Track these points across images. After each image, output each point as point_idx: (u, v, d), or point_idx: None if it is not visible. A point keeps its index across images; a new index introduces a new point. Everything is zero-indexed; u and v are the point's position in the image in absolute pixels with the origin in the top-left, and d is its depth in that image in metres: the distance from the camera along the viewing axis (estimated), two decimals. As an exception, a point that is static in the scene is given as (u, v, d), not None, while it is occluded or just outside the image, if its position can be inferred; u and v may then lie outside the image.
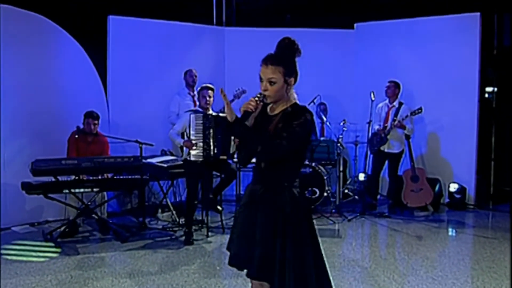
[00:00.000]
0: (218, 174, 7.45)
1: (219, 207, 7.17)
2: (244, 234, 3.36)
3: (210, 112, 7.01)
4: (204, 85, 7.09)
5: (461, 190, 8.98)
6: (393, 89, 8.64)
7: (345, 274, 5.69)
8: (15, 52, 7.62)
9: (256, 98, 3.25)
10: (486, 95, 9.79)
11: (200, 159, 6.84)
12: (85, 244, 6.87)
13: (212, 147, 6.85)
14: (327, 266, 3.38)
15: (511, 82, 9.59)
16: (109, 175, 7.08)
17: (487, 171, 9.55)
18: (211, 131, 6.85)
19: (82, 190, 6.89)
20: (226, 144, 6.93)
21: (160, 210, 8.35)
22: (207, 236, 7.19)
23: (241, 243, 3.37)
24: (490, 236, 7.36)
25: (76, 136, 7.20)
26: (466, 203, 9.07)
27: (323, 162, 8.71)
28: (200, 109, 7.02)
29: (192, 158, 6.82)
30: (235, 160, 7.57)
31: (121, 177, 7.17)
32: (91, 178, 6.96)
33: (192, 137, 6.80)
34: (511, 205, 8.91)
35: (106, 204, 7.61)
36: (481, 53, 8.97)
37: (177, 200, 8.69)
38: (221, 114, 7.09)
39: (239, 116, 3.22)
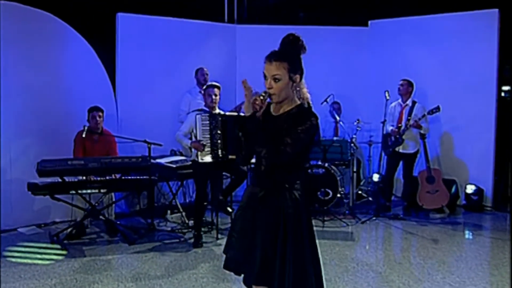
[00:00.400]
0: (228, 175, 7.29)
1: (229, 208, 6.97)
2: (243, 237, 3.27)
3: (217, 111, 6.83)
4: (210, 83, 6.93)
5: (478, 191, 8.74)
6: (406, 87, 8.42)
7: (358, 279, 5.50)
8: (22, 50, 7.49)
9: (261, 97, 3.12)
10: (503, 94, 9.54)
11: (209, 160, 6.66)
12: (92, 246, 6.72)
13: (220, 148, 6.68)
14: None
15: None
16: (117, 176, 6.93)
17: (504, 172, 9.30)
18: (218, 131, 6.67)
19: (89, 191, 6.77)
20: (235, 143, 6.73)
21: (169, 211, 8.18)
22: (217, 238, 7.02)
23: (240, 246, 3.28)
24: (508, 239, 7.12)
25: (83, 135, 7.04)
26: (484, 205, 8.82)
27: (336, 162, 8.53)
28: (206, 109, 6.83)
29: (201, 160, 6.64)
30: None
31: (129, 177, 7.02)
32: (98, 178, 6.81)
33: (199, 138, 6.62)
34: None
35: (114, 205, 7.45)
36: (499, 50, 8.71)
37: (187, 201, 8.54)
38: (227, 113, 6.92)
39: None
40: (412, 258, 6.39)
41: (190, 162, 7.10)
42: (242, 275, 3.40)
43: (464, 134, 8.94)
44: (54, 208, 7.64)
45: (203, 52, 9.28)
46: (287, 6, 10.65)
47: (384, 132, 8.46)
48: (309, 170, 8.18)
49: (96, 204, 6.98)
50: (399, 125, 8.33)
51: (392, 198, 8.76)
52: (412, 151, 8.33)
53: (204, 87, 6.99)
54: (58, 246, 6.61)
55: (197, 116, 6.64)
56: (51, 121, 7.69)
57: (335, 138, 8.72)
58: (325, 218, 7.95)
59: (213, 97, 6.74)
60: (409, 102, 8.41)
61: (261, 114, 3.22)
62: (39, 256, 6.29)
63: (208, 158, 6.64)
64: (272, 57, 3.16)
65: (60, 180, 6.57)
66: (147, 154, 7.12)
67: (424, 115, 8.09)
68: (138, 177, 7.05)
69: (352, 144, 8.54)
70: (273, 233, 3.14)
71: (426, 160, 8.30)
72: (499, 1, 8.72)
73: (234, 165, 6.87)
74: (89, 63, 8.27)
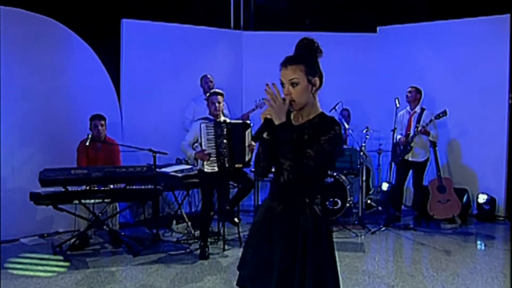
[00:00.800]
0: (235, 184, 7.13)
1: (236, 219, 6.82)
2: (259, 254, 3.05)
3: (222, 118, 6.68)
4: (213, 90, 6.79)
5: (490, 200, 8.54)
6: (414, 94, 8.26)
7: (370, 293, 5.32)
8: (26, 57, 7.37)
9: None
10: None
11: (215, 170, 6.50)
12: (96, 257, 6.56)
13: (226, 156, 6.52)
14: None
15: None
16: (121, 185, 6.77)
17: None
18: (224, 139, 6.51)
19: (92, 200, 6.61)
20: (241, 152, 6.59)
21: (174, 221, 8.01)
22: (224, 249, 6.85)
23: (256, 263, 3.06)
24: (523, 251, 6.93)
25: (87, 144, 6.89)
26: (496, 215, 8.61)
27: (345, 171, 8.34)
28: (211, 117, 6.68)
29: (207, 169, 6.48)
30: (253, 169, 7.25)
31: (134, 187, 6.85)
32: (102, 188, 6.64)
33: (204, 147, 6.46)
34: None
35: (118, 215, 7.29)
36: (511, 56, 8.54)
37: (193, 210, 8.38)
38: (233, 121, 6.78)
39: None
40: (425, 270, 6.19)
41: (196, 171, 6.94)
42: None
43: (475, 141, 8.74)
44: (57, 218, 7.49)
45: (209, 59, 9.14)
46: (295, 12, 10.52)
47: (394, 140, 8.29)
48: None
49: (100, 214, 6.82)
50: (408, 132, 8.16)
51: (402, 207, 8.56)
52: (422, 160, 8.15)
53: (208, 94, 6.86)
54: (61, 258, 6.45)
55: (202, 124, 6.49)
56: (54, 129, 7.55)
57: (344, 147, 8.54)
58: (334, 229, 7.76)
59: (217, 104, 6.59)
60: (417, 109, 8.25)
61: None
62: (41, 268, 6.13)
63: (214, 167, 6.49)
64: (287, 62, 2.99)
65: (63, 189, 6.41)
66: (152, 163, 6.98)
67: (431, 120, 7.92)
68: (143, 187, 6.88)
69: (361, 153, 8.36)
70: (291, 251, 2.93)
71: (437, 169, 8.11)
72: (510, 7, 8.55)
73: (241, 173, 6.72)
74: (93, 70, 8.14)
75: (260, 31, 9.83)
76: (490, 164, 8.68)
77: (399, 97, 8.30)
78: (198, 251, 6.65)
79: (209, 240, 6.84)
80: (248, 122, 6.75)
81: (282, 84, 3.00)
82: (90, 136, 6.95)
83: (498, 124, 8.60)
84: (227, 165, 6.50)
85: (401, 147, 8.14)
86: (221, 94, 6.65)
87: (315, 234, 2.94)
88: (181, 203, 7.83)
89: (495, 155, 8.64)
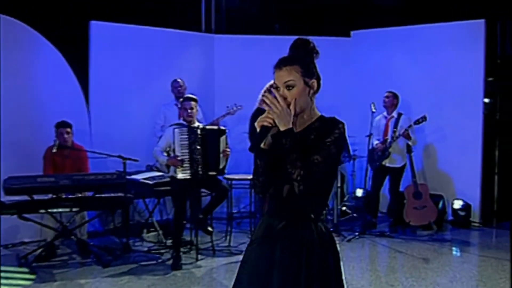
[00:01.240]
0: (208, 192, 6.93)
1: (209, 228, 6.62)
2: (258, 274, 2.71)
3: (196, 124, 6.48)
4: (186, 96, 6.63)
5: (466, 207, 8.46)
6: (392, 100, 8.16)
7: (350, 305, 5.15)
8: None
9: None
10: (489, 107, 9.30)
11: (188, 177, 6.29)
12: (63, 269, 6.28)
13: (200, 163, 6.32)
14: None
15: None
16: (89, 193, 6.50)
17: (490, 186, 9.06)
18: (197, 145, 6.31)
19: (60, 209, 6.35)
20: (215, 159, 6.40)
21: (145, 230, 7.76)
22: (197, 259, 6.61)
23: (253, 285, 2.73)
24: (501, 258, 6.81)
25: (54, 150, 6.62)
26: (471, 221, 8.53)
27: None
28: (184, 122, 6.48)
29: (179, 176, 6.27)
30: (226, 176, 7.06)
31: (103, 195, 6.59)
32: (70, 196, 6.39)
33: (177, 153, 6.25)
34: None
35: (86, 224, 7.02)
36: (486, 61, 8.48)
37: (164, 218, 8.12)
38: (207, 127, 6.59)
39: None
40: (404, 279, 6.03)
41: (168, 179, 6.72)
42: None
43: (450, 147, 8.66)
44: (22, 227, 7.16)
45: (180, 62, 8.92)
46: (267, 16, 10.36)
47: (370, 146, 8.16)
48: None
49: (68, 224, 6.56)
50: (386, 138, 8.04)
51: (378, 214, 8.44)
52: (399, 165, 8.04)
53: (181, 100, 6.65)
54: (27, 269, 6.18)
55: (175, 130, 6.29)
56: (19, 135, 7.23)
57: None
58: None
59: (189, 110, 6.41)
60: (394, 114, 8.15)
61: (276, 131, 2.67)
62: (5, 280, 5.84)
63: (186, 175, 6.28)
64: (281, 63, 2.69)
65: (28, 198, 6.14)
66: (121, 169, 6.74)
67: (410, 125, 7.82)
68: (112, 195, 6.63)
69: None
70: (294, 274, 2.62)
71: (413, 175, 8.02)
72: (485, 12, 8.51)
73: (215, 181, 6.53)
74: (60, 74, 7.86)
75: (232, 34, 9.64)
76: (465, 170, 8.58)
77: (374, 102, 8.19)
78: (170, 261, 6.43)
79: (181, 249, 6.62)
80: (223, 128, 6.57)
81: (277, 87, 2.69)
82: (56, 142, 6.69)
83: (474, 130, 8.51)
84: (200, 172, 6.30)
85: (379, 153, 8.02)
86: (195, 100, 6.46)
87: (320, 256, 2.65)
88: (152, 211, 7.58)
89: (470, 160, 8.55)
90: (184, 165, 6.25)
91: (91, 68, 8.17)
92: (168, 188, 6.76)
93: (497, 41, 9.05)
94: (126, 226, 7.20)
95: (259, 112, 6.94)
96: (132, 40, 8.52)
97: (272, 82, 7.41)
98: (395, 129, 7.98)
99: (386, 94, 8.20)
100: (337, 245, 2.78)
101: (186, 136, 6.30)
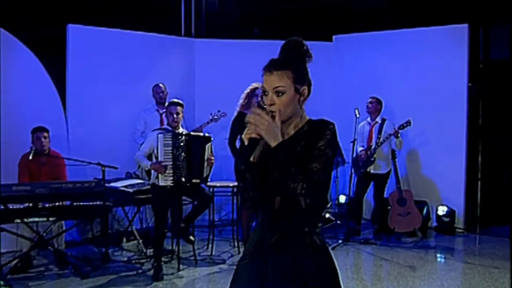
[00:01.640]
0: (190, 200, 6.75)
1: (191, 237, 6.45)
2: None
3: (180, 130, 6.30)
4: (171, 100, 6.42)
5: (450, 213, 8.37)
6: (375, 105, 8.07)
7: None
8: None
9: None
10: (472, 111, 9.23)
11: (170, 184, 6.11)
12: (40, 281, 6.05)
13: (183, 170, 6.15)
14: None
15: (497, 97, 9.05)
16: (67, 202, 6.29)
17: (474, 192, 8.99)
18: (182, 152, 6.14)
19: (36, 219, 6.11)
20: (199, 166, 6.23)
21: (124, 239, 7.56)
22: (178, 269, 6.43)
23: None
24: (487, 265, 6.74)
25: (30, 158, 6.41)
26: (455, 227, 8.44)
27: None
28: (169, 128, 6.30)
29: (161, 183, 6.09)
30: (210, 184, 6.88)
31: (81, 203, 6.37)
32: (46, 205, 6.15)
33: (160, 159, 6.07)
34: (511, 228, 8.33)
35: (64, 234, 6.80)
36: (469, 65, 8.42)
37: (144, 227, 7.91)
38: (192, 133, 6.42)
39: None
40: (391, 288, 5.93)
41: (149, 186, 6.53)
42: None
43: (434, 153, 8.56)
44: (-4, 237, 6.94)
45: (160, 66, 8.75)
46: (247, 20, 10.23)
47: (355, 152, 8.04)
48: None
49: (44, 234, 6.33)
50: (370, 144, 7.94)
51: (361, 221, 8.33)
52: (384, 172, 7.95)
53: (166, 104, 6.48)
54: (1, 282, 5.91)
55: (159, 135, 6.11)
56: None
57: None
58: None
59: (175, 115, 6.22)
60: (378, 119, 8.05)
61: (264, 143, 2.51)
62: (-22, 294, 5.61)
63: (169, 182, 6.10)
64: (272, 66, 2.51)
65: (3, 207, 5.91)
66: (100, 177, 6.55)
67: (395, 131, 7.72)
68: (91, 203, 6.40)
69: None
70: None
71: (397, 181, 7.92)
72: (468, 16, 8.46)
73: (198, 189, 6.37)
74: (36, 78, 7.66)
75: (213, 38, 9.48)
76: (449, 175, 8.50)
77: (358, 107, 8.08)
78: (151, 272, 6.25)
79: (162, 259, 6.43)
80: (209, 135, 6.40)
81: (265, 91, 2.53)
82: (33, 149, 6.49)
83: (457, 135, 8.44)
84: (183, 180, 6.13)
85: (364, 159, 7.91)
86: (181, 105, 6.29)
87: (316, 272, 2.50)
88: (131, 219, 7.38)
89: (454, 166, 8.48)
90: (167, 172, 6.07)
91: (68, 73, 7.97)
92: (149, 196, 6.57)
93: (480, 46, 8.99)
94: (105, 236, 6.99)
95: (240, 116, 6.82)
96: (111, 44, 8.33)
97: (253, 85, 7.23)
98: (379, 135, 7.88)
99: (370, 99, 8.10)
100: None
101: (170, 142, 6.12)
